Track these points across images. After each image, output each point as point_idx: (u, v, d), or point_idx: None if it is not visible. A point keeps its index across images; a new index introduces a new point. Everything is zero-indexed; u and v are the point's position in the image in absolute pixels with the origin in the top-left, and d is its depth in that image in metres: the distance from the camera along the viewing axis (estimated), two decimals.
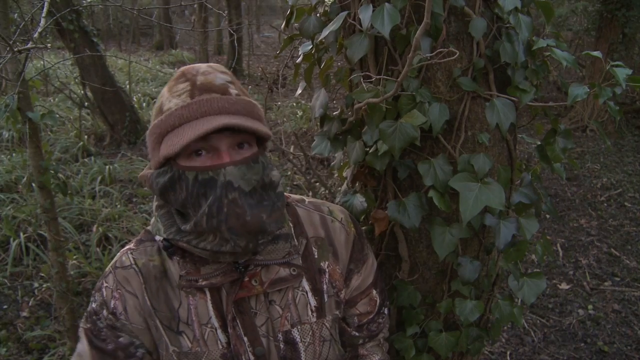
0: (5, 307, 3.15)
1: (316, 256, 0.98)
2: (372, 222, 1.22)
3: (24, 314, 3.07)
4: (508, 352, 2.79)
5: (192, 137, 0.76)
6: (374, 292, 1.07)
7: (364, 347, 1.10)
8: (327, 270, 0.99)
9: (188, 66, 0.88)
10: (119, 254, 0.95)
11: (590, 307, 3.19)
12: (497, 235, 1.12)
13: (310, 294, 0.96)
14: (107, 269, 0.94)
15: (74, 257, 3.47)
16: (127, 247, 0.96)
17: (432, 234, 1.14)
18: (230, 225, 0.79)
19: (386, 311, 1.11)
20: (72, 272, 3.34)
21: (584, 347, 2.85)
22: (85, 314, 0.94)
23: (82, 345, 0.91)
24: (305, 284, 0.96)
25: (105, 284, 0.92)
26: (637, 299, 3.27)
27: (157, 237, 0.93)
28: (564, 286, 3.43)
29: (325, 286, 0.98)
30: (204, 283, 0.88)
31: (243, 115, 0.83)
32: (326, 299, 0.98)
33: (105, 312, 0.90)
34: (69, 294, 2.38)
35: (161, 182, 0.83)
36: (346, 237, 1.02)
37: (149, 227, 0.97)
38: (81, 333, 0.93)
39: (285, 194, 0.96)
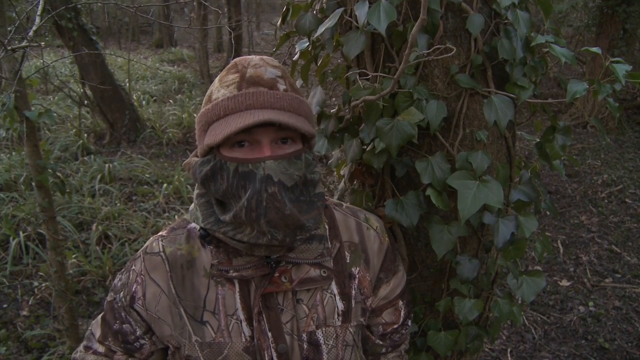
0: (5, 306, 3.15)
1: (348, 261, 0.98)
2: None
3: (24, 312, 3.07)
4: (509, 350, 2.79)
5: (234, 129, 0.77)
6: (400, 303, 1.07)
7: (385, 356, 1.10)
8: (357, 276, 0.98)
9: (241, 57, 0.89)
10: (151, 239, 0.99)
11: (591, 304, 3.18)
12: (495, 233, 1.12)
13: (338, 298, 0.95)
14: (138, 252, 0.98)
15: (74, 255, 3.47)
16: (160, 233, 0.99)
17: (431, 232, 1.13)
18: (269, 219, 0.80)
19: (410, 323, 1.11)
20: (71, 271, 3.34)
21: (584, 344, 2.84)
22: (111, 287, 1.00)
23: (102, 314, 1.01)
24: (334, 287, 0.95)
25: (132, 267, 0.96)
26: (638, 295, 3.26)
27: (193, 225, 0.96)
28: (565, 283, 3.42)
29: (353, 291, 0.98)
30: (234, 274, 0.89)
31: (288, 111, 0.83)
32: (353, 305, 0.97)
33: (124, 294, 0.95)
34: (68, 293, 2.38)
35: (204, 170, 0.85)
36: (379, 245, 1.02)
37: (185, 216, 0.99)
38: (105, 302, 1.00)
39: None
